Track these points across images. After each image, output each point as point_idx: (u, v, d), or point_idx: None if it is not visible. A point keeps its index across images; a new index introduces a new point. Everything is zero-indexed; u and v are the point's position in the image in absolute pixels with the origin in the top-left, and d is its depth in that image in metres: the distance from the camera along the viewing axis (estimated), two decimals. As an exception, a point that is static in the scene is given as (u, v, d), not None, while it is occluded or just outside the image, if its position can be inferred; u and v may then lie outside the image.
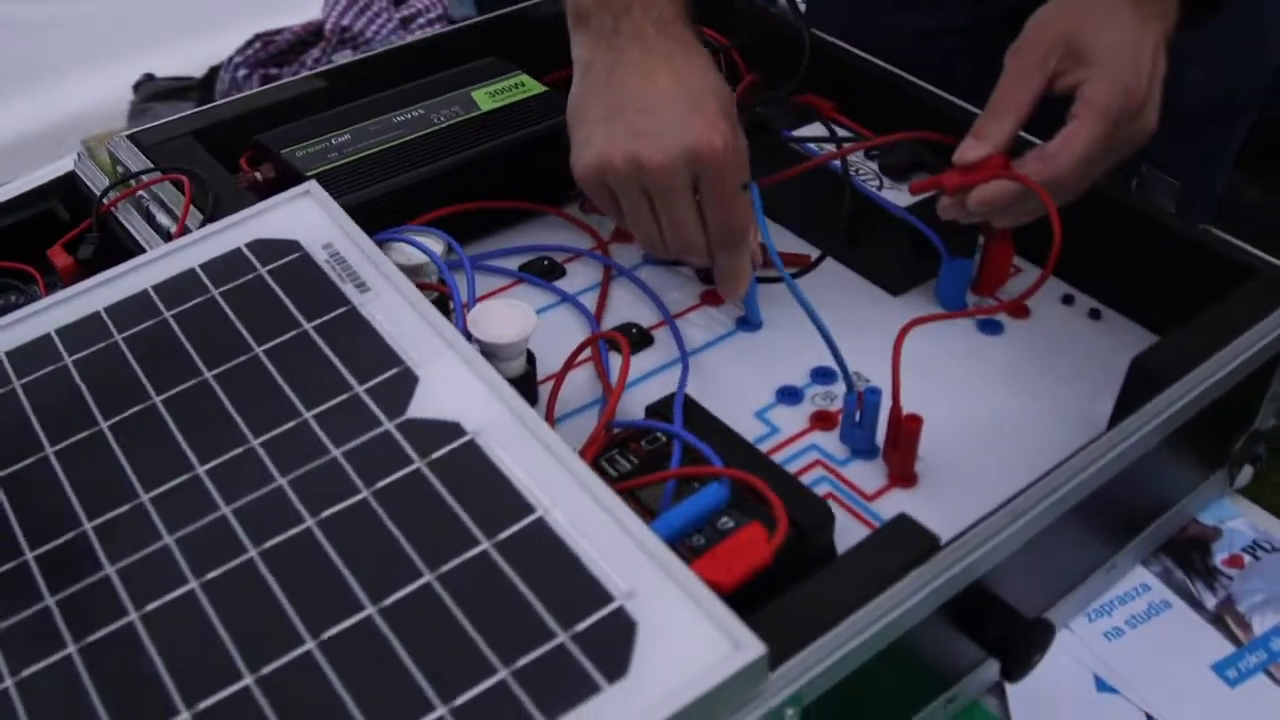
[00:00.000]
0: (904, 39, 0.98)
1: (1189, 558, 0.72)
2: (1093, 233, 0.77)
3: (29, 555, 0.54)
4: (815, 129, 0.82)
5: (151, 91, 1.82)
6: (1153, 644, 0.67)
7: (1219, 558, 0.72)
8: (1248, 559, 0.71)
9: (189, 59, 1.88)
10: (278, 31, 1.85)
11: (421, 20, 1.88)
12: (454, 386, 0.58)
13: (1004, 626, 0.58)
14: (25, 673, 0.49)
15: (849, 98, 0.86)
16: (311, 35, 1.85)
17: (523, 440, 0.55)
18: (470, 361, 0.59)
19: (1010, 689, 0.64)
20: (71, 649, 0.50)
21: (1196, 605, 0.69)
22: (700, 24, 0.87)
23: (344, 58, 1.80)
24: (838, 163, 0.77)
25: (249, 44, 1.84)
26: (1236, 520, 0.74)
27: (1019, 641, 0.58)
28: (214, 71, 1.86)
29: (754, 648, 0.47)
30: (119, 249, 0.71)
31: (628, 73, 0.70)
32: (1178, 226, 0.74)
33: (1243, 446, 0.73)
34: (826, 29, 0.92)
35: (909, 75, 0.87)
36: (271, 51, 1.82)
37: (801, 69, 0.84)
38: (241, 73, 1.79)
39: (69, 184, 0.77)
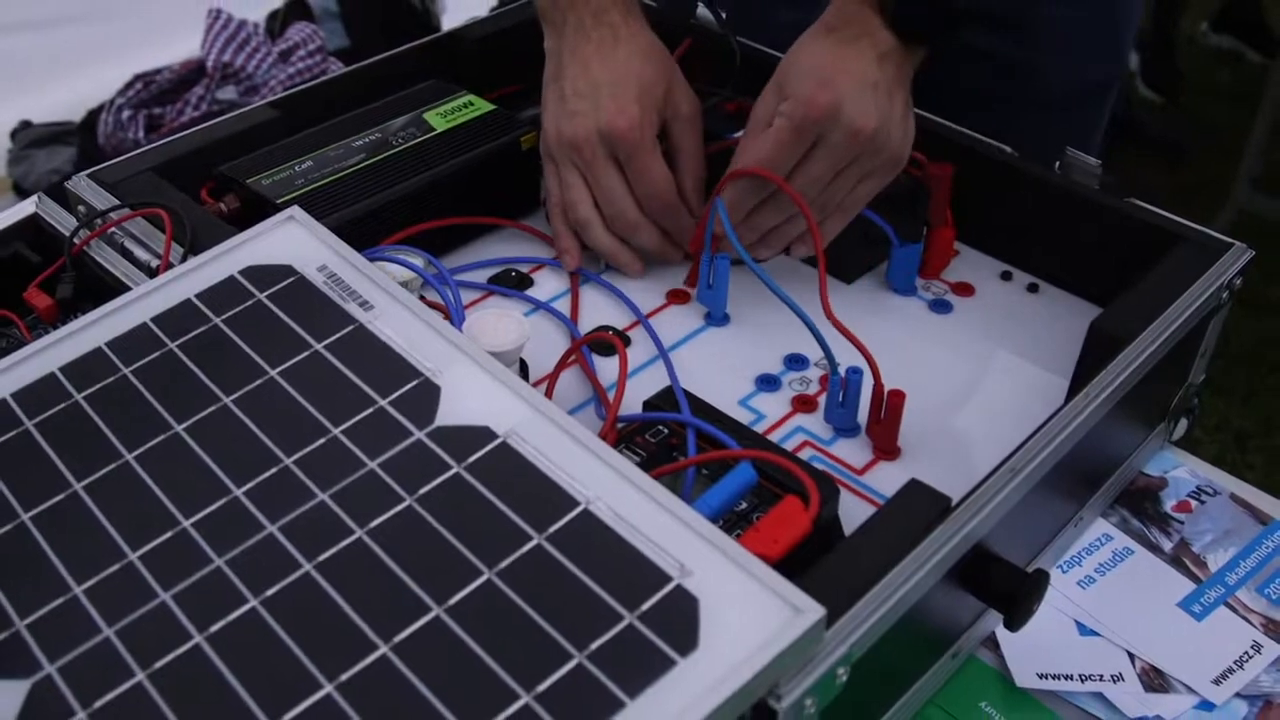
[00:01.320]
0: (780, 32, 1.03)
1: (1142, 507, 0.77)
2: (1024, 212, 0.83)
3: (77, 590, 0.54)
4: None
5: (30, 138, 1.78)
6: (1122, 588, 0.72)
7: (1168, 504, 0.77)
8: (1194, 503, 0.77)
9: (63, 103, 1.84)
10: (157, 71, 1.83)
11: (301, 52, 1.88)
12: (476, 392, 0.60)
13: (1006, 579, 0.62)
14: (98, 703, 0.50)
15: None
16: (192, 74, 1.84)
17: (553, 436, 0.58)
18: (487, 367, 0.61)
19: (1003, 642, 0.69)
20: (140, 676, 0.51)
21: (1155, 549, 0.75)
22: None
23: (228, 94, 1.79)
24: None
25: (129, 85, 1.81)
26: (1179, 470, 0.80)
27: (1021, 592, 0.62)
28: (93, 114, 1.83)
29: (814, 610, 0.50)
30: (99, 286, 0.71)
31: (569, 60, 0.81)
32: (1104, 201, 0.80)
33: (1180, 400, 0.79)
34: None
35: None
36: (154, 91, 1.80)
37: (734, 75, 0.88)
38: (126, 114, 1.77)
39: (32, 226, 0.77)
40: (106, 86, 1.82)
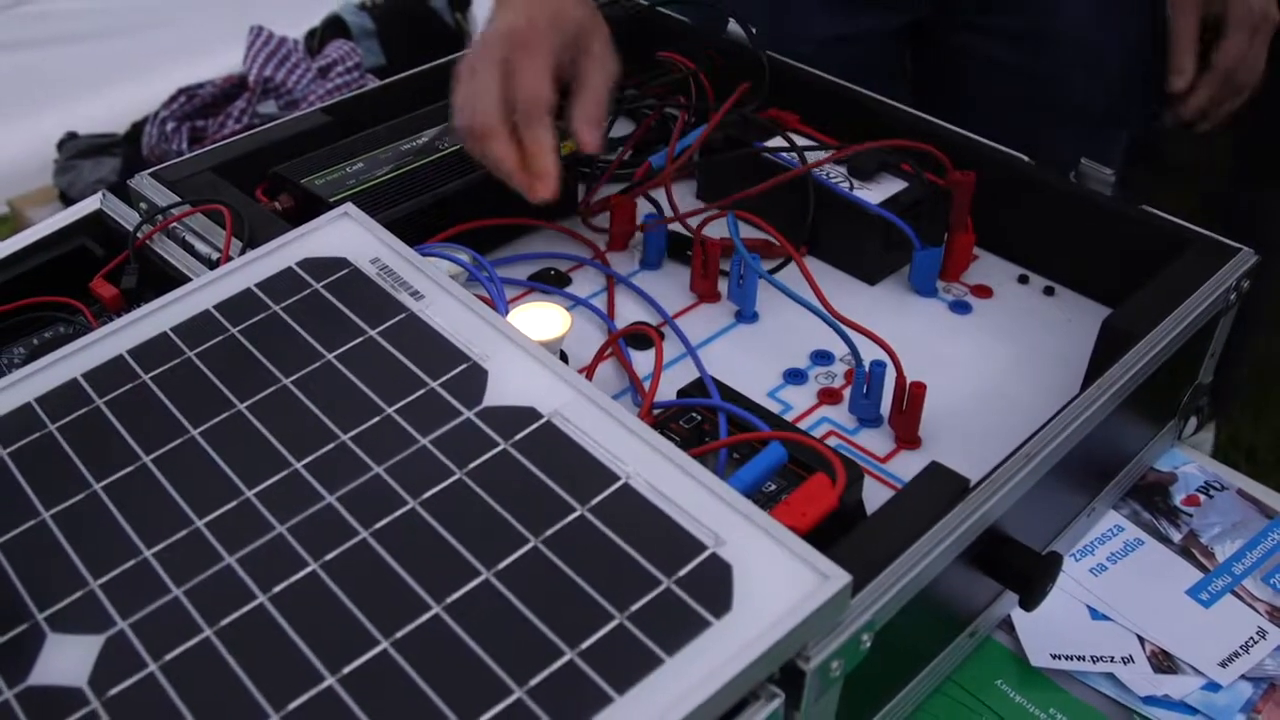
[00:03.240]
0: (818, 44, 1.08)
1: (1152, 500, 0.80)
2: (1041, 219, 0.86)
3: (147, 553, 0.58)
4: (781, 140, 0.90)
5: (76, 149, 1.84)
6: (1133, 576, 0.75)
7: (1178, 498, 0.80)
8: (1203, 498, 0.80)
9: (108, 116, 1.90)
10: (200, 85, 1.89)
11: (339, 69, 1.93)
12: (522, 376, 0.64)
13: (1020, 560, 0.65)
14: (168, 656, 0.53)
15: (810, 110, 0.94)
16: (234, 88, 1.89)
17: (595, 417, 0.61)
18: (532, 353, 0.65)
19: (1018, 624, 0.72)
20: (207, 632, 0.54)
21: (1164, 540, 0.78)
22: (667, 51, 0.95)
23: (268, 108, 1.85)
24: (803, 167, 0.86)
25: (173, 98, 1.87)
26: (1188, 466, 0.83)
27: (1035, 573, 0.65)
28: (137, 126, 1.88)
29: (840, 577, 0.53)
30: (160, 278, 0.75)
31: None
32: (1118, 208, 0.83)
33: (1188, 400, 0.82)
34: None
35: (861, 88, 0.95)
36: (197, 104, 1.86)
37: (765, 88, 0.92)
38: (170, 125, 1.82)
39: (96, 222, 0.81)
40: (150, 100, 1.87)
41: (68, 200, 1.80)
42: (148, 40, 2.00)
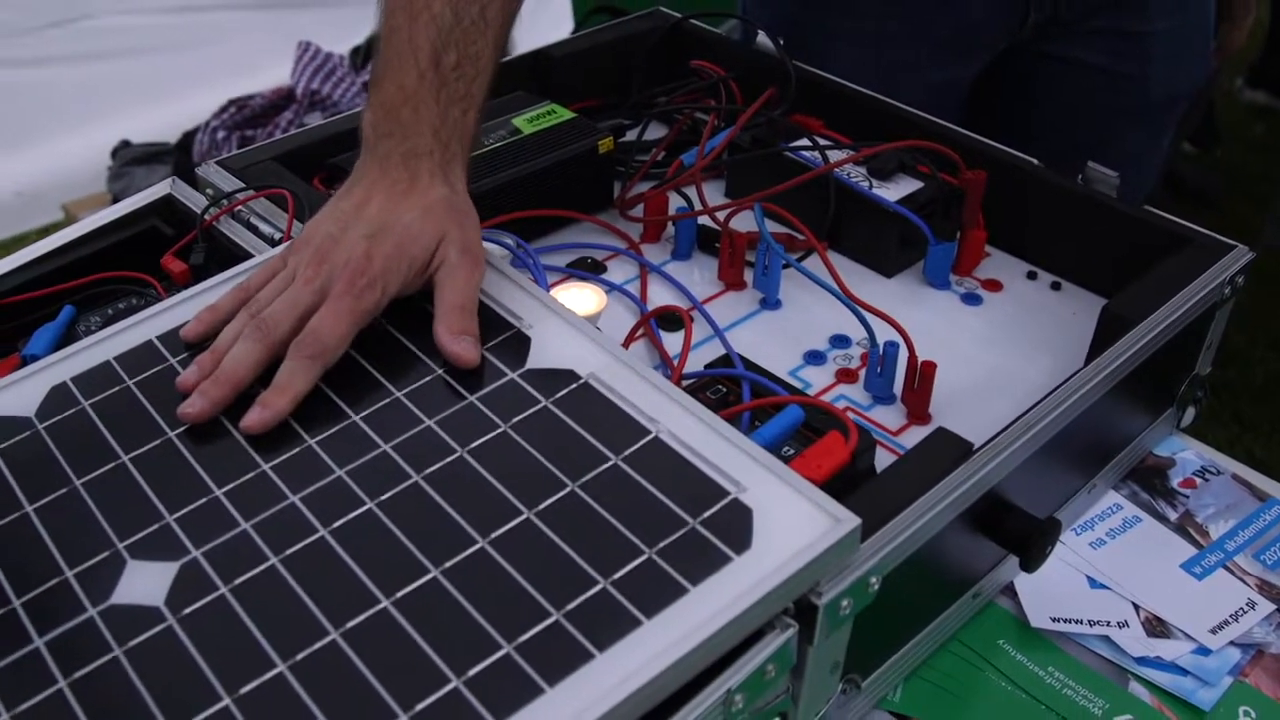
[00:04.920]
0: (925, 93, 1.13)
1: (1151, 482, 0.85)
2: (1048, 218, 0.91)
3: (218, 492, 0.63)
4: (803, 140, 0.96)
5: (129, 157, 1.91)
6: (1131, 550, 0.80)
7: (1175, 481, 0.85)
8: (1199, 481, 0.85)
9: (160, 125, 1.97)
10: (249, 97, 1.96)
11: (382, 82, 2.00)
12: (562, 342, 0.69)
13: (1019, 524, 0.70)
14: (238, 580, 0.59)
15: (832, 115, 0.99)
16: (282, 100, 1.97)
17: (629, 379, 0.67)
18: (572, 323, 0.70)
19: (1020, 590, 0.77)
20: (273, 560, 0.60)
21: (1161, 519, 0.82)
22: (700, 60, 1.01)
23: (315, 119, 1.92)
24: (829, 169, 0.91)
25: (224, 109, 1.95)
26: (1186, 452, 0.87)
27: (1033, 535, 0.70)
28: (188, 136, 1.96)
29: (851, 520, 0.58)
30: (225, 255, 0.81)
31: (358, 184, 0.74)
32: (1122, 208, 0.88)
33: (1186, 389, 0.87)
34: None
35: (879, 95, 1.01)
36: (246, 115, 1.93)
37: (790, 94, 0.98)
38: (220, 134, 1.89)
39: (165, 204, 0.87)
40: (201, 110, 1.95)
41: (119, 207, 1.87)
42: (199, 55, 2.08)
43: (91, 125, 1.96)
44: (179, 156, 1.94)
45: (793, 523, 0.59)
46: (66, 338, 0.79)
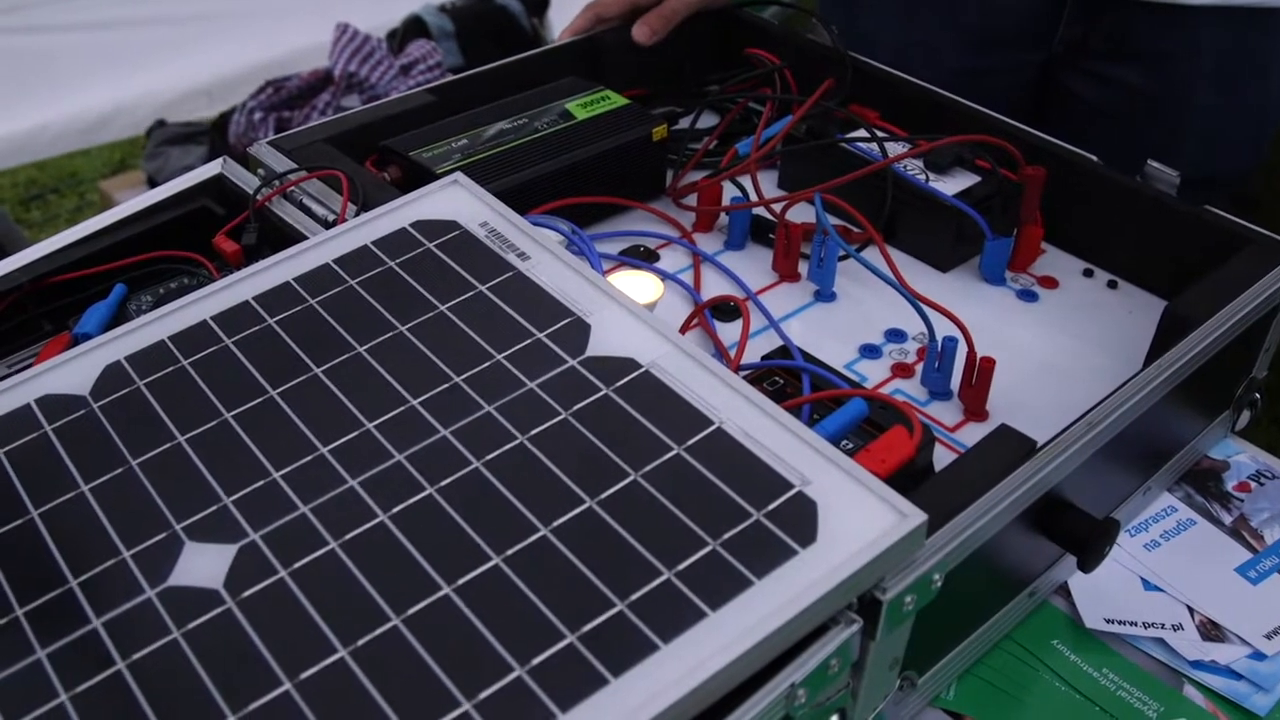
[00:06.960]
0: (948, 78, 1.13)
1: (1205, 485, 0.84)
2: (1107, 216, 0.90)
3: (276, 475, 0.63)
4: (859, 131, 0.95)
5: (164, 137, 1.91)
6: (1185, 552, 0.79)
7: (1230, 484, 0.84)
8: (1254, 485, 0.84)
9: (197, 105, 1.97)
10: (286, 78, 1.96)
11: (421, 67, 2.00)
12: (622, 330, 0.69)
13: (1079, 525, 0.70)
14: (296, 564, 0.59)
15: (889, 108, 0.99)
16: (319, 81, 1.96)
17: (691, 368, 0.66)
18: (632, 311, 0.69)
19: (1074, 590, 0.76)
20: (333, 544, 0.59)
21: (1216, 522, 0.81)
22: (754, 48, 1.00)
23: (352, 101, 1.91)
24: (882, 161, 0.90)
25: (261, 90, 1.94)
26: (1240, 455, 0.87)
27: (1092, 536, 0.69)
28: (224, 116, 1.96)
29: (917, 515, 0.57)
30: (278, 236, 0.81)
31: None
32: (1181, 207, 0.87)
33: (1243, 392, 0.86)
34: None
35: (936, 88, 1.00)
36: (284, 96, 1.93)
37: (846, 85, 0.97)
38: (257, 115, 1.89)
39: (216, 184, 0.87)
40: (238, 91, 1.95)
41: (155, 185, 1.87)
42: (237, 34, 2.07)
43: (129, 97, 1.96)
44: (214, 136, 1.94)
45: (858, 517, 0.58)
46: (118, 317, 0.79)
